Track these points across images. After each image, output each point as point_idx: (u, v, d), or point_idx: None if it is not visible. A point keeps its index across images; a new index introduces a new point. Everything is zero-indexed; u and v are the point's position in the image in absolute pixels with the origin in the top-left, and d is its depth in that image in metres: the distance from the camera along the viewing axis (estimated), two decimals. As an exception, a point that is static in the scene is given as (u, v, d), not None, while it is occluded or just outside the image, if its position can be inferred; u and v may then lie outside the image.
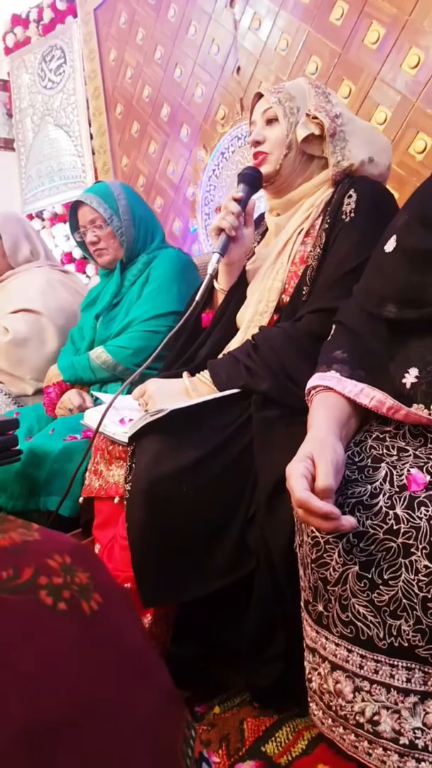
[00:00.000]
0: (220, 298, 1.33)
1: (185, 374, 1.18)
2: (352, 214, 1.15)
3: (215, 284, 1.32)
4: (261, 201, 1.45)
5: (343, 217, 1.16)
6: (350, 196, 1.16)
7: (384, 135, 1.36)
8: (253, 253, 1.37)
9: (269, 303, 1.21)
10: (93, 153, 2.93)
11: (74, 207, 1.85)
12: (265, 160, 1.26)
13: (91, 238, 1.81)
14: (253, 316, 1.22)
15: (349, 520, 0.70)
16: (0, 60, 3.33)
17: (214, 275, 1.25)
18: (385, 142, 1.31)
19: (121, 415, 1.18)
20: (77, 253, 3.04)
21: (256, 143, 1.27)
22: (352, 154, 1.22)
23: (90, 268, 3.00)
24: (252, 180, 1.26)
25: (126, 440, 1.07)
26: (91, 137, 2.92)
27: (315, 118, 1.21)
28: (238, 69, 2.25)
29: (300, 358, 1.06)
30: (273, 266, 1.23)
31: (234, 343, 1.24)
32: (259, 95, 1.30)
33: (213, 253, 1.24)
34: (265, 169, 1.26)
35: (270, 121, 1.26)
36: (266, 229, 1.41)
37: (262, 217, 1.46)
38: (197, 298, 1.22)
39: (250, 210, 1.29)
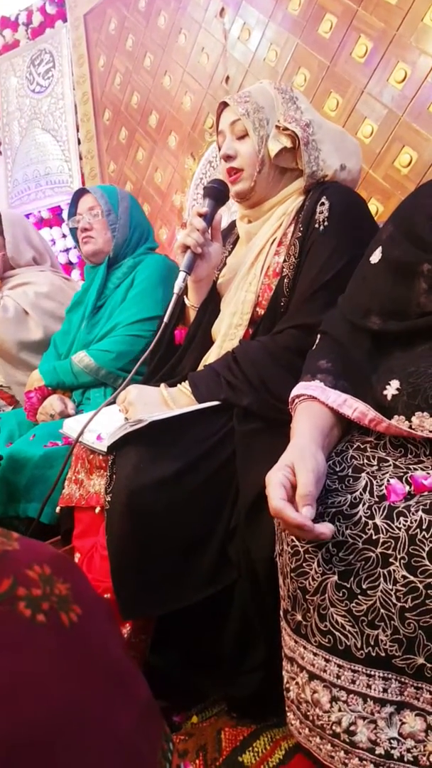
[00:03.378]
0: (191, 313, 1.31)
1: (162, 385, 1.16)
2: (326, 223, 1.14)
3: (186, 300, 1.30)
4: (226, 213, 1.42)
5: (317, 225, 1.15)
6: (322, 204, 1.15)
7: (352, 136, 1.32)
8: (224, 265, 1.35)
9: (243, 315, 1.20)
10: (80, 158, 2.92)
11: (77, 194, 1.91)
12: (240, 178, 1.23)
13: (83, 223, 1.85)
14: (227, 330, 1.21)
15: (327, 527, 0.70)
16: (-12, 62, 3.31)
17: (183, 293, 1.22)
18: (355, 145, 1.29)
19: (98, 431, 1.16)
20: (62, 258, 3.03)
21: (228, 157, 1.23)
22: (326, 165, 1.20)
23: (75, 273, 2.99)
24: (217, 194, 1.24)
25: (105, 450, 1.06)
26: (79, 142, 2.92)
27: (285, 129, 1.19)
28: (227, 78, 2.26)
29: (280, 372, 1.05)
30: (246, 277, 1.21)
31: (210, 357, 1.22)
32: (225, 104, 1.26)
33: (180, 271, 1.21)
34: (240, 187, 1.24)
35: (240, 135, 1.23)
36: (237, 238, 1.38)
37: (233, 224, 1.43)
38: (165, 319, 1.20)
39: (216, 225, 1.26)
